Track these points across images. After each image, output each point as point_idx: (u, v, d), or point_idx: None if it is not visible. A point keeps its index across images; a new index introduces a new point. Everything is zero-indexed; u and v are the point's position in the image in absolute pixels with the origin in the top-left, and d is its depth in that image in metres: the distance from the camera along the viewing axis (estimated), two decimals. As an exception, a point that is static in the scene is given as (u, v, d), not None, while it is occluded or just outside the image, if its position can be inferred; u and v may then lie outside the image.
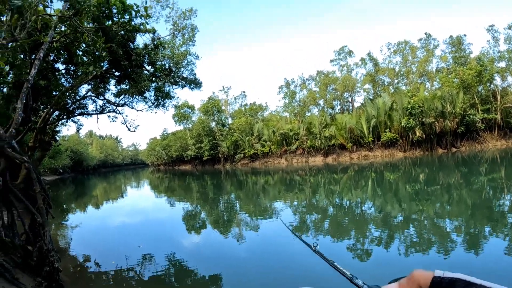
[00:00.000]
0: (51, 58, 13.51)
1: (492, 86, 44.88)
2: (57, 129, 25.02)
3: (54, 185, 41.99)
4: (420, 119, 42.78)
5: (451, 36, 50.57)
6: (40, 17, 5.71)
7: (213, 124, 68.20)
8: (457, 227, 9.15)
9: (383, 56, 60.70)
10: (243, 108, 71.67)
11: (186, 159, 73.91)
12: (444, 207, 12.06)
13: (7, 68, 9.88)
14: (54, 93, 14.88)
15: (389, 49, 56.75)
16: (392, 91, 54.02)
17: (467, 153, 37.99)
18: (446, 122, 42.69)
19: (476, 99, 43.87)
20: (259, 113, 70.15)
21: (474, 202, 12.50)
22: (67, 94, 17.63)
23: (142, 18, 11.92)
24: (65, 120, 23.12)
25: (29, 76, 6.14)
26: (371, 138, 47.59)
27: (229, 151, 64.00)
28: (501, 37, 45.77)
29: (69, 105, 20.22)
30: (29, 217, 5.67)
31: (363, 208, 13.49)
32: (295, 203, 15.97)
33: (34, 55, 9.77)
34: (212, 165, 67.53)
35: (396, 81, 56.55)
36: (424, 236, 8.37)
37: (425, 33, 53.94)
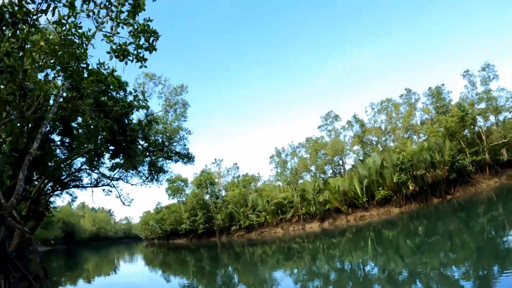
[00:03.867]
0: (47, 129, 13.75)
1: (476, 128, 46.36)
2: (50, 199, 24.61)
3: (45, 256, 39.86)
4: (411, 172, 43.21)
5: (429, 88, 53.17)
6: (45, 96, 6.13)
7: (207, 197, 67.35)
8: (465, 273, 8.97)
9: (368, 116, 62.93)
10: (236, 180, 71.64)
11: (181, 232, 71.74)
12: (448, 255, 11.86)
13: (7, 138, 10.08)
14: (50, 164, 14.98)
15: (373, 108, 59.00)
16: (380, 149, 55.03)
17: (463, 198, 37.97)
18: (437, 172, 43.17)
19: (462, 143, 45.03)
20: (252, 183, 69.87)
21: (478, 244, 12.33)
22: (62, 166, 17.74)
23: (140, 101, 12.31)
24: (59, 191, 22.92)
25: (32, 149, 6.38)
26: (365, 198, 47.40)
27: (224, 223, 62.61)
28: (477, 80, 48.05)
29: (64, 177, 20.19)
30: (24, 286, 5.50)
31: (365, 269, 13.13)
32: (295, 271, 15.43)
33: (29, 125, 10.05)
34: (207, 238, 65.48)
35: (383, 138, 58.03)
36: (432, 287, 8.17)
37: (405, 89, 56.81)
